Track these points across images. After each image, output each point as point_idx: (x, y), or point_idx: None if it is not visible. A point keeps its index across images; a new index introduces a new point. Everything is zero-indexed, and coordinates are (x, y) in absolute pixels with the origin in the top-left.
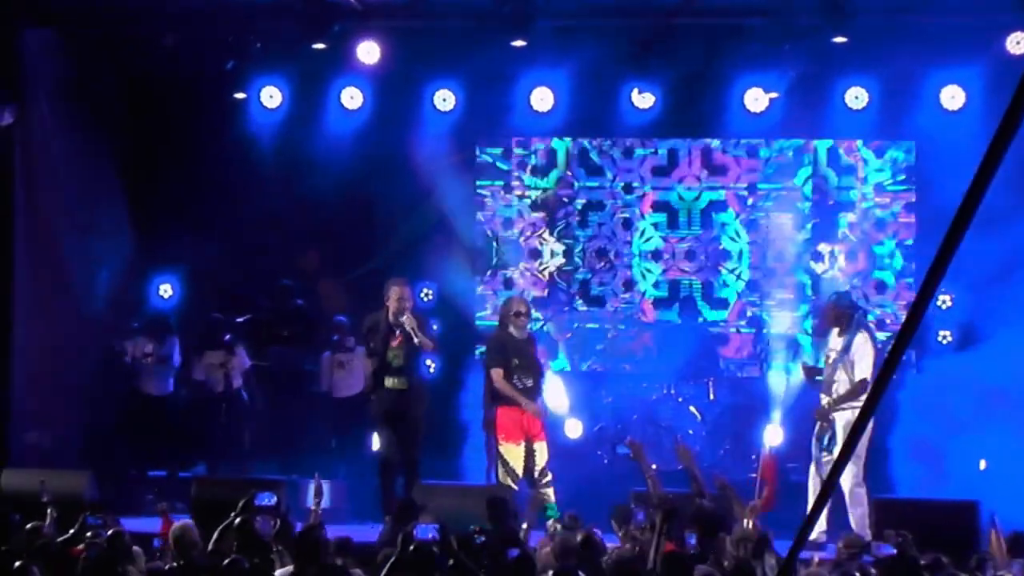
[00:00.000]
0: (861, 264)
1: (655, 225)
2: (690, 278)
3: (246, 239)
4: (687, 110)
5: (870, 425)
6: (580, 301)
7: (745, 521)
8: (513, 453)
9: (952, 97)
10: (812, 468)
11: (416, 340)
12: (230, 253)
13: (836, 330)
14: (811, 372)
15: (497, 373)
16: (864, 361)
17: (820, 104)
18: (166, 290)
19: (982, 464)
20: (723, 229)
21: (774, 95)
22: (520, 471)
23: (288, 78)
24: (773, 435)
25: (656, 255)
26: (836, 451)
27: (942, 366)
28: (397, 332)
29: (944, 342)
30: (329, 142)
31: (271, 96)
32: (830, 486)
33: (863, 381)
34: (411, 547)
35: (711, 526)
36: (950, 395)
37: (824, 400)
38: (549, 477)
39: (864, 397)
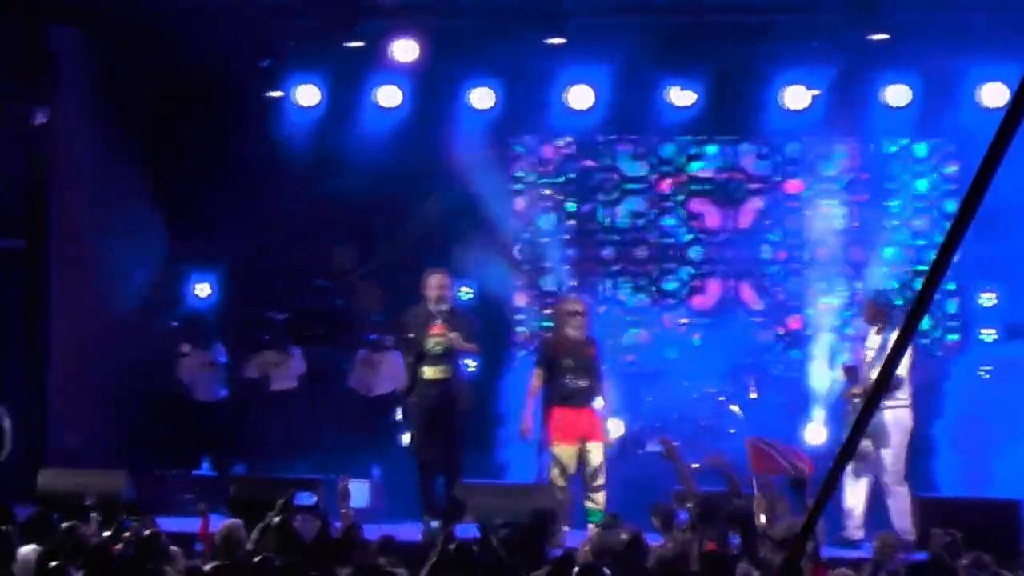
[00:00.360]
0: (903, 262)
1: (694, 222)
2: (730, 275)
3: (279, 237)
4: (726, 107)
5: (910, 424)
6: (618, 299)
7: (757, 517)
8: (566, 454)
9: (994, 94)
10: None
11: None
12: (263, 252)
13: (874, 328)
14: (851, 372)
15: (535, 374)
16: None
17: (860, 102)
18: (203, 289)
19: None
20: (764, 226)
21: (816, 92)
22: (572, 471)
23: (324, 76)
24: (816, 434)
25: (696, 251)
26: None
27: (987, 364)
28: (437, 321)
29: (989, 340)
30: (365, 140)
31: (307, 94)
32: (838, 471)
33: (897, 377)
34: (452, 546)
35: (747, 525)
36: (995, 392)
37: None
38: (601, 480)
39: (898, 393)
